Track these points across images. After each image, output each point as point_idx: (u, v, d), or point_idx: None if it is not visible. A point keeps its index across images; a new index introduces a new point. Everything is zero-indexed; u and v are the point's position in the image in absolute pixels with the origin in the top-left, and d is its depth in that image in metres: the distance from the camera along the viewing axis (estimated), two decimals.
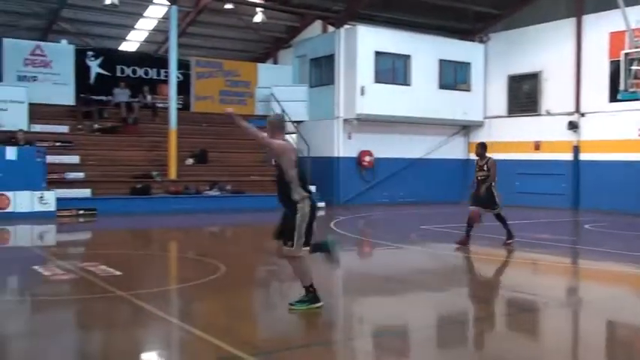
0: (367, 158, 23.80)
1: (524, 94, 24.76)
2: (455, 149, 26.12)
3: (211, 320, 6.78)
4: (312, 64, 25.63)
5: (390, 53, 23.95)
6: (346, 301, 8.18)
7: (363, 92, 23.13)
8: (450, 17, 24.94)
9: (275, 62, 28.64)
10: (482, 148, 12.28)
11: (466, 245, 11.84)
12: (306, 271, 6.99)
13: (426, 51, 24.43)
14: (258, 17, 23.99)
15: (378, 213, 20.82)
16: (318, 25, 26.21)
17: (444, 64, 24.96)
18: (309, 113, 24.61)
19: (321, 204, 22.05)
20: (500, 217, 12.17)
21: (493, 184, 11.95)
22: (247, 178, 22.27)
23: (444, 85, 25.00)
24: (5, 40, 22.06)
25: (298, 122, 25.02)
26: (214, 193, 21.00)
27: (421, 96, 24.12)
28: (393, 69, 24.31)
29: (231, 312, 7.15)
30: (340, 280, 9.34)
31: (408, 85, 24.20)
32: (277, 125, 7.04)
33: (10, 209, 17.00)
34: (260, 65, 27.39)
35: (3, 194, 16.95)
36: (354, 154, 23.94)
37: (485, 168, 12.03)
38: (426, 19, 24.93)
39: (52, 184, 18.13)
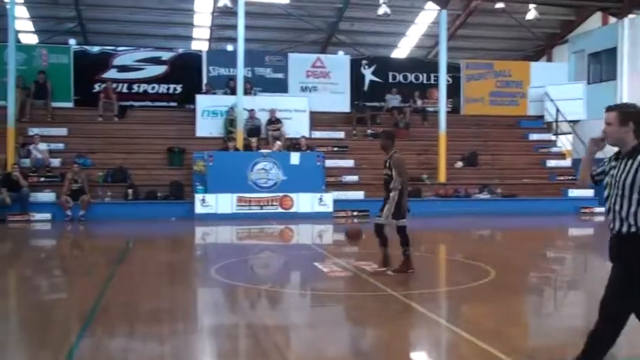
0: None
1: None
2: None
3: (480, 324, 6.67)
4: (591, 60, 23.97)
5: None
6: None
7: None
8: None
9: (549, 60, 27.29)
10: (384, 137, 9.16)
11: (386, 267, 9.16)
12: None
13: None
14: (531, 14, 23.06)
15: None
16: (597, 17, 24.41)
17: None
18: (586, 112, 23.03)
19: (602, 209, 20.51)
20: (379, 231, 9.08)
21: (394, 186, 8.83)
22: (519, 181, 21.55)
23: None
24: (290, 55, 24.17)
25: (574, 122, 23.58)
26: (484, 196, 20.67)
27: None
28: None
29: (501, 317, 6.96)
30: None
31: None
32: None
33: (293, 209, 18.53)
34: (533, 64, 26.36)
35: (288, 195, 18.51)
36: None
37: (387, 165, 8.95)
38: None
39: (330, 187, 19.37)
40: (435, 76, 23.42)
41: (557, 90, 23.69)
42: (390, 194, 8.97)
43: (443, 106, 21.55)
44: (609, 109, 4.36)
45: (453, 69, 24.23)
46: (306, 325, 6.94)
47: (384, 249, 9.27)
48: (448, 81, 22.66)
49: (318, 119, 22.53)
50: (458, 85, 25.00)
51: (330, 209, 18.70)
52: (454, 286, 9.02)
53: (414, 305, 7.32)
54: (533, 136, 23.96)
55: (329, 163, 20.01)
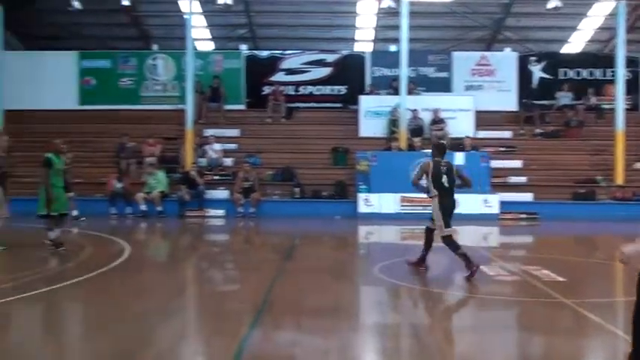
0: None
1: None
2: None
3: None
4: None
5: None
6: None
7: None
8: None
9: None
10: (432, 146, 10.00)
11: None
12: None
13: None
14: None
15: None
16: None
17: None
18: None
19: None
20: (445, 242, 9.30)
21: (431, 194, 9.32)
22: None
23: None
24: (454, 54, 23.78)
25: None
26: None
27: None
28: None
29: None
30: None
31: None
32: None
33: (456, 210, 18.11)
34: None
35: None
36: None
37: None
38: None
39: (496, 188, 18.80)
40: (611, 72, 21.95)
41: None
42: (434, 206, 9.37)
43: (620, 103, 20.15)
44: None
45: (632, 63, 22.54)
46: (471, 328, 6.80)
47: (460, 255, 9.22)
48: (627, 76, 21.15)
49: (483, 118, 21.93)
50: (637, 81, 23.24)
51: (496, 211, 18.16)
52: (634, 296, 8.39)
53: (587, 314, 6.91)
54: None
55: (495, 163, 19.42)
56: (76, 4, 21.12)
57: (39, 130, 20.12)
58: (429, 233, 9.63)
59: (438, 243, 9.60)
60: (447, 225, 9.27)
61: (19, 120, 20.77)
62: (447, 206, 9.34)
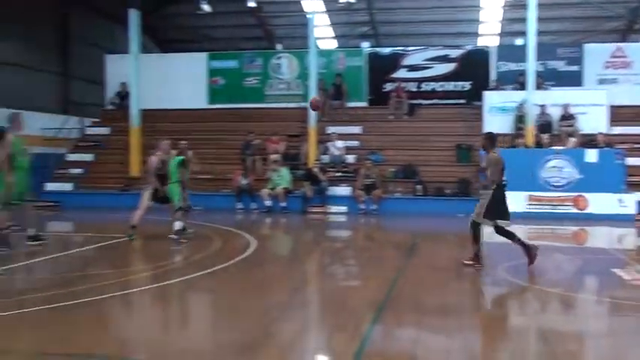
0: None
1: None
2: None
3: None
4: None
5: None
6: None
7: None
8: None
9: None
10: (483, 138, 9.88)
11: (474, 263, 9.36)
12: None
13: None
14: None
15: None
16: None
17: None
18: None
19: None
20: (473, 227, 9.45)
21: (488, 185, 9.36)
22: None
23: None
24: (586, 46, 22.62)
25: None
26: None
27: None
28: None
29: None
30: None
31: None
32: None
33: (588, 210, 17.31)
34: None
35: (582, 196, 17.36)
36: None
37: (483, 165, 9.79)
38: None
39: (632, 187, 17.71)
40: None
41: None
42: (485, 192, 9.43)
43: None
44: None
45: None
46: (605, 334, 6.45)
47: (475, 246, 9.45)
48: None
49: (618, 114, 20.70)
50: None
51: (633, 211, 17.09)
52: None
53: None
54: None
55: (631, 161, 18.27)
56: (206, 7, 22.03)
57: (171, 128, 21.13)
58: (506, 234, 9.54)
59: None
60: (491, 217, 9.30)
61: (154, 119, 21.93)
62: (503, 199, 9.41)
